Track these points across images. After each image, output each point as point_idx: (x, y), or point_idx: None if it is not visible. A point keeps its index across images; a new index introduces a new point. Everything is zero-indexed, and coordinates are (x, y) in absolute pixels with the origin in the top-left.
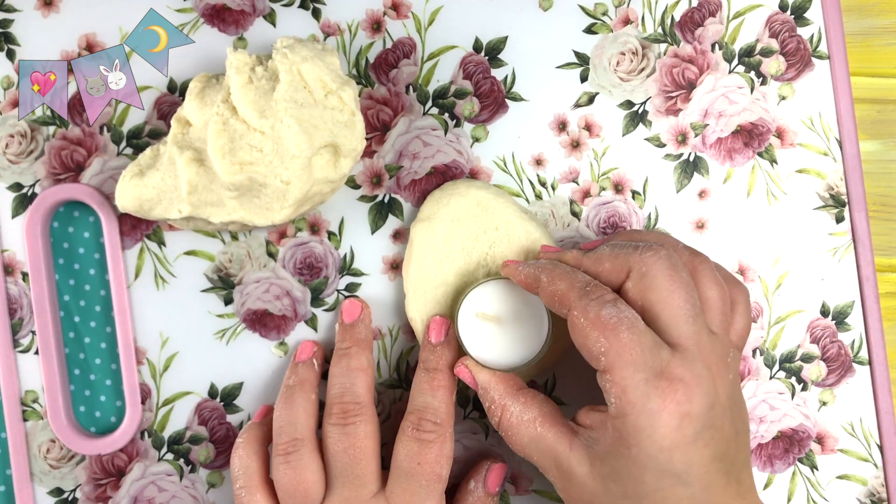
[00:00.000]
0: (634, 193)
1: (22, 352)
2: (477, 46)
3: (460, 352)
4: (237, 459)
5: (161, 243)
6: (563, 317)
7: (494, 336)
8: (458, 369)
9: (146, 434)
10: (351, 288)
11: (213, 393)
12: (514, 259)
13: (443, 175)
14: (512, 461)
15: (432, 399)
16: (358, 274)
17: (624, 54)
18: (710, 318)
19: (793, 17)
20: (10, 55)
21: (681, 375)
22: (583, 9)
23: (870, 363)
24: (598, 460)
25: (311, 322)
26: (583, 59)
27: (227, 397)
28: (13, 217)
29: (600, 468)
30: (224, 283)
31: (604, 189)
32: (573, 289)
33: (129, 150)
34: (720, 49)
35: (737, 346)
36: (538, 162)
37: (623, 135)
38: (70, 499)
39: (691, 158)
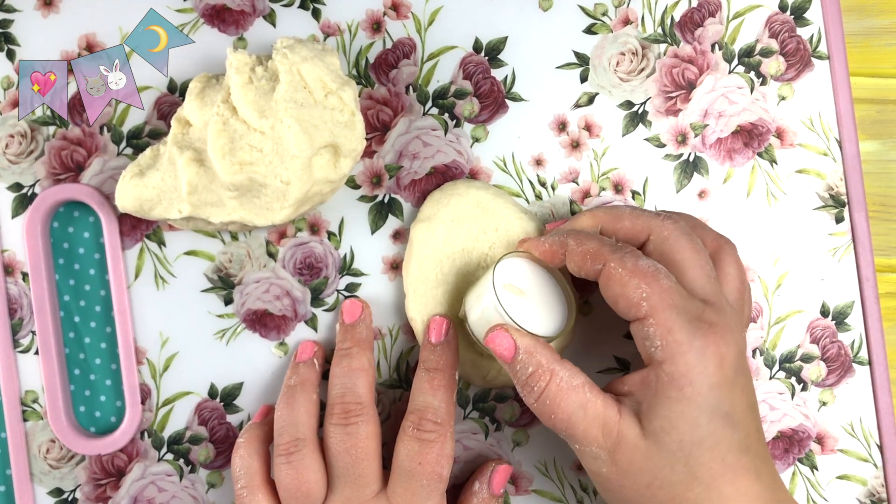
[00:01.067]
0: (634, 193)
1: (22, 352)
2: (477, 47)
3: (460, 351)
4: (238, 459)
5: (161, 243)
6: (594, 276)
7: (523, 308)
8: (494, 333)
9: (146, 434)
10: (351, 288)
11: (213, 393)
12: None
13: (443, 175)
14: (511, 461)
15: (433, 399)
16: (358, 274)
17: (624, 54)
18: (727, 291)
19: (792, 17)
20: (10, 55)
21: (715, 321)
22: (583, 9)
23: (870, 363)
24: (646, 418)
25: (311, 322)
26: (583, 60)
27: (227, 397)
28: (13, 217)
29: (650, 425)
30: (224, 283)
31: (604, 189)
32: (605, 245)
33: (129, 151)
34: (720, 49)
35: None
36: (538, 162)
37: (623, 135)
38: (70, 499)
39: (691, 159)
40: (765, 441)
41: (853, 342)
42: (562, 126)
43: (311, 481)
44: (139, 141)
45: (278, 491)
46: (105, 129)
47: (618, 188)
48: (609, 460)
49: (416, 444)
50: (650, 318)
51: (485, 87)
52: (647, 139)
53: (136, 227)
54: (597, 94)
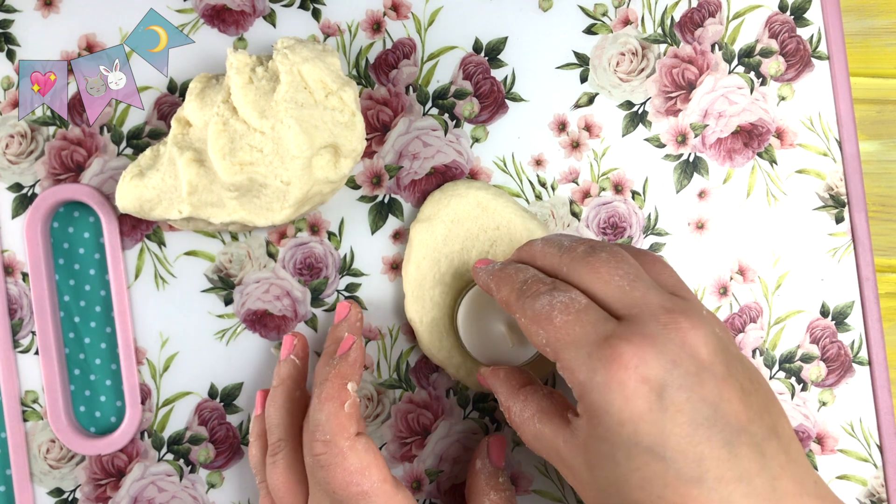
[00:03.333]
0: (634, 194)
1: (22, 352)
2: (477, 47)
3: (457, 357)
4: (251, 457)
5: (161, 244)
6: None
7: (497, 333)
8: (478, 377)
9: (146, 434)
10: (351, 288)
11: (213, 393)
12: (485, 260)
13: (443, 175)
14: (511, 459)
15: (319, 414)
16: (358, 274)
17: (624, 55)
18: (663, 282)
19: (792, 17)
20: (10, 55)
21: (627, 339)
22: (583, 9)
23: (869, 363)
24: (583, 449)
25: (311, 322)
26: (583, 60)
27: (227, 397)
28: (13, 217)
29: (585, 457)
30: (224, 284)
31: (604, 189)
32: (513, 291)
33: (129, 151)
34: (720, 49)
35: None
36: (538, 162)
37: (623, 135)
38: (70, 499)
39: (691, 159)
40: (770, 455)
41: (853, 342)
42: (562, 126)
43: (291, 482)
44: (139, 141)
45: (269, 486)
46: (105, 129)
47: (618, 188)
48: (573, 485)
49: (319, 470)
50: (557, 360)
51: (485, 88)
52: (647, 139)
53: (136, 228)
54: (597, 94)
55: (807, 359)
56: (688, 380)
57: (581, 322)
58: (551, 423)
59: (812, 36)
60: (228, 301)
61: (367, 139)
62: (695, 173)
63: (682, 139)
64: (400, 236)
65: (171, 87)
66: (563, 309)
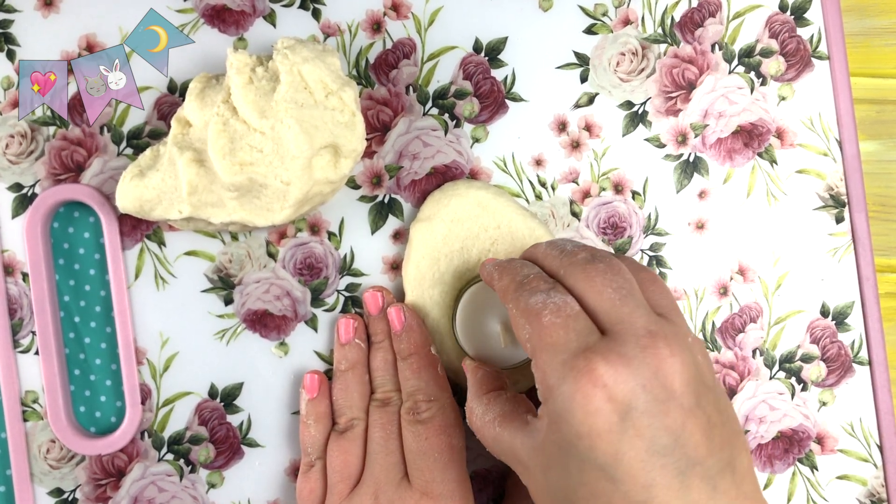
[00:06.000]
0: (634, 194)
1: (22, 352)
2: (477, 47)
3: (456, 360)
4: (309, 437)
5: (161, 244)
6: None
7: (492, 333)
8: (462, 364)
9: (146, 434)
10: (351, 288)
11: (213, 393)
12: (493, 258)
13: (443, 175)
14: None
15: (417, 381)
16: (358, 274)
17: (624, 55)
18: (655, 302)
19: (793, 17)
20: (10, 55)
21: (604, 356)
22: (583, 9)
23: (870, 363)
24: (539, 451)
25: (312, 322)
26: (583, 60)
27: (227, 397)
28: (13, 217)
29: (540, 459)
30: (224, 284)
31: (604, 189)
32: (513, 282)
33: (129, 151)
34: (720, 49)
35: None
36: (538, 162)
37: (623, 135)
38: (70, 499)
39: (691, 159)
40: (721, 490)
41: (853, 342)
42: (562, 126)
43: (363, 456)
44: (139, 141)
45: (327, 466)
46: (105, 129)
47: (618, 188)
48: (530, 489)
49: (418, 426)
50: (533, 358)
51: (485, 88)
52: (647, 139)
53: (136, 228)
54: (597, 94)
55: (807, 359)
56: (654, 406)
57: (567, 328)
58: (510, 426)
59: (812, 36)
60: (228, 301)
61: (367, 139)
62: (695, 173)
63: (682, 139)
64: (400, 236)
65: (171, 87)
66: (554, 310)
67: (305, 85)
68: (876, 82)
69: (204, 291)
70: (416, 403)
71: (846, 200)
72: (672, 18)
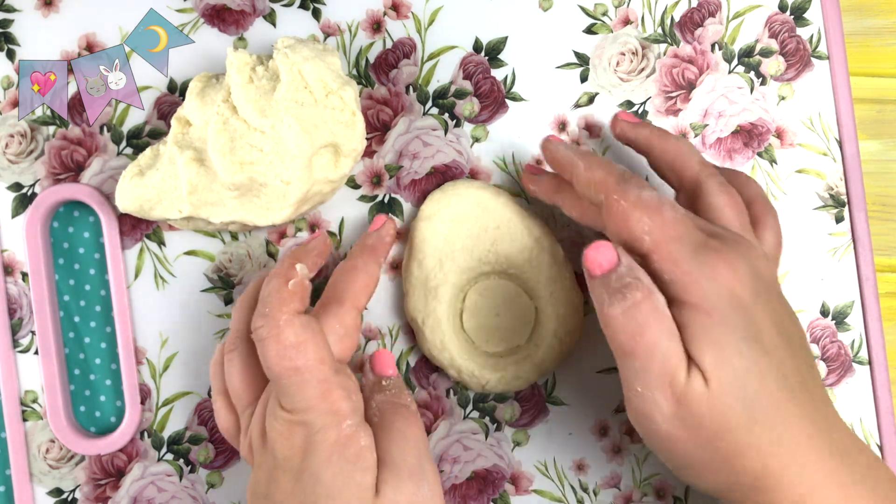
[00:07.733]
0: None
1: (22, 352)
2: (477, 46)
3: (458, 360)
4: (213, 365)
5: (161, 243)
6: (598, 204)
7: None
8: (597, 245)
9: (146, 434)
10: None
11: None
12: (556, 137)
13: (443, 175)
14: (511, 461)
15: (264, 290)
16: None
17: (624, 54)
18: (727, 221)
19: (792, 17)
20: (10, 55)
21: (720, 248)
22: (583, 9)
23: (870, 363)
24: (699, 360)
25: None
26: (583, 60)
27: None
28: (13, 217)
29: (705, 365)
30: (224, 283)
31: None
32: (611, 175)
33: (129, 150)
34: (720, 49)
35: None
36: (538, 162)
37: None
38: (70, 499)
39: None
40: (809, 374)
41: (853, 342)
42: (562, 126)
43: (248, 377)
44: (139, 141)
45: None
46: (105, 129)
47: None
48: (671, 415)
49: (258, 344)
50: (654, 252)
51: (485, 87)
52: None
53: (136, 227)
54: (597, 94)
55: None
56: (769, 296)
57: (686, 224)
58: (679, 342)
59: (812, 36)
60: (228, 301)
61: (367, 139)
62: None
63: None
64: (400, 236)
65: (171, 87)
66: (672, 206)
67: (306, 84)
68: (876, 82)
69: (204, 291)
70: (255, 318)
71: (846, 200)
72: (672, 18)
